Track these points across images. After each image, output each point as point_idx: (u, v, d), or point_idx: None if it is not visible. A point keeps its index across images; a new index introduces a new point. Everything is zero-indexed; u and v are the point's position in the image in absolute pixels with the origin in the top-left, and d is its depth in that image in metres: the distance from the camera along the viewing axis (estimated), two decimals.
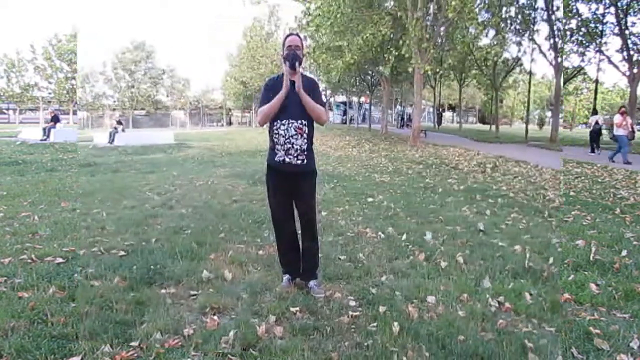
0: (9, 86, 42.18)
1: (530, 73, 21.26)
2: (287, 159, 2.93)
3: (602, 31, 19.81)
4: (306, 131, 2.94)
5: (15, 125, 31.72)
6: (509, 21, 19.83)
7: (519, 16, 19.13)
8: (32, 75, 44.31)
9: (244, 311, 2.89)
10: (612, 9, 19.09)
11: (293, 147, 2.90)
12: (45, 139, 16.34)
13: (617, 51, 19.47)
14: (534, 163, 12.04)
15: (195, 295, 3.14)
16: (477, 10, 15.90)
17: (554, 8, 18.22)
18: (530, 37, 19.11)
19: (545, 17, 18.40)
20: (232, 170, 10.04)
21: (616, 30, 19.41)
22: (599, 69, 20.14)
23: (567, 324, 2.46)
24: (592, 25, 19.82)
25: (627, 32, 19.06)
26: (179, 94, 55.18)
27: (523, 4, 19.26)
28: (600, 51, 19.53)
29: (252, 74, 40.67)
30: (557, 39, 18.17)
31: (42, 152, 12.42)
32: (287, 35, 3.03)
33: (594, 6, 19.75)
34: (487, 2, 17.52)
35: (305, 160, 2.95)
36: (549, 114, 48.62)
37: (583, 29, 19.86)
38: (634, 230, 4.62)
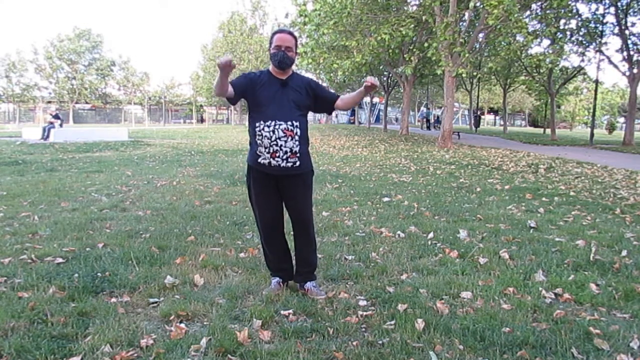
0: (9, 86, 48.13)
1: (597, 82, 24.04)
2: (273, 162, 3.13)
3: (602, 31, 22.93)
4: (298, 133, 3.15)
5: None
6: (568, 32, 23.51)
7: (582, 29, 23.36)
8: (33, 75, 50.80)
9: (219, 317, 2.94)
10: (612, 9, 22.16)
11: (281, 149, 3.11)
12: (45, 139, 18.56)
13: (617, 51, 22.66)
14: (602, 164, 12.81)
15: (155, 303, 3.20)
16: (526, 20, 17.69)
17: (628, 24, 22.57)
18: (597, 49, 22.91)
19: (615, 31, 23.03)
20: (205, 170, 10.67)
21: (616, 30, 22.73)
22: (599, 69, 23.23)
23: (567, 323, 2.85)
24: (592, 25, 23.13)
25: (627, 32, 22.20)
26: (134, 88, 56.19)
27: (587, 17, 23.48)
28: (600, 51, 22.99)
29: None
30: (631, 52, 22.25)
31: (42, 152, 14.28)
32: (277, 32, 3.24)
33: (594, 6, 23.07)
34: (539, 13, 20.17)
35: (299, 162, 3.17)
36: (620, 119, 55.13)
37: (583, 29, 23.23)
38: (634, 230, 5.33)
